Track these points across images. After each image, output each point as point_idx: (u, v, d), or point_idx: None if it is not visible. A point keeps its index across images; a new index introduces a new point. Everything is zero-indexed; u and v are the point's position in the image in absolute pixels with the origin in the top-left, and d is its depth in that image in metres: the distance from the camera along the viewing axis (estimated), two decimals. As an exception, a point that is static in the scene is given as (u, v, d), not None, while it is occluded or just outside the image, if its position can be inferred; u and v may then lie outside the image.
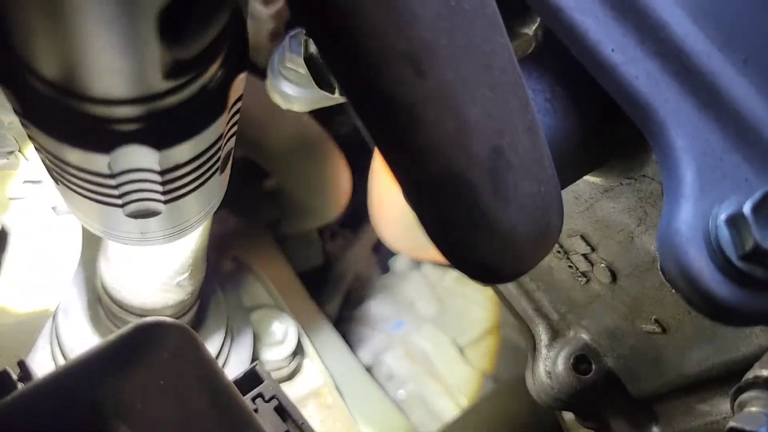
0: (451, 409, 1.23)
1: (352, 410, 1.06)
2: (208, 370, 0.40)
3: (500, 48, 0.36)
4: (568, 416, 0.82)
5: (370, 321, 1.57)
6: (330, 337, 1.14)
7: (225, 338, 0.86)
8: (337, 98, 0.70)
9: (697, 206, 0.36)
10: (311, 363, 1.04)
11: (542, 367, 0.66)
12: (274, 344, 0.93)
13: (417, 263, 1.66)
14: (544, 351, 0.67)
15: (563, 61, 0.46)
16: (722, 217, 0.35)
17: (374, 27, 0.32)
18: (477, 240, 0.36)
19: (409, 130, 0.33)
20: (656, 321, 0.56)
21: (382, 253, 1.72)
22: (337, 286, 1.56)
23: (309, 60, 0.53)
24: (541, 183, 0.39)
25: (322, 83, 0.54)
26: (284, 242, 1.27)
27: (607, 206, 0.54)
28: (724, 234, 0.35)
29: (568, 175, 0.48)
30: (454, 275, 1.62)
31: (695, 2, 0.40)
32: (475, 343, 1.48)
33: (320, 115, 1.26)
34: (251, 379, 0.59)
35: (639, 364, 0.61)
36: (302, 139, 1.10)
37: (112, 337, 0.41)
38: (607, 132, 0.46)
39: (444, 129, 0.33)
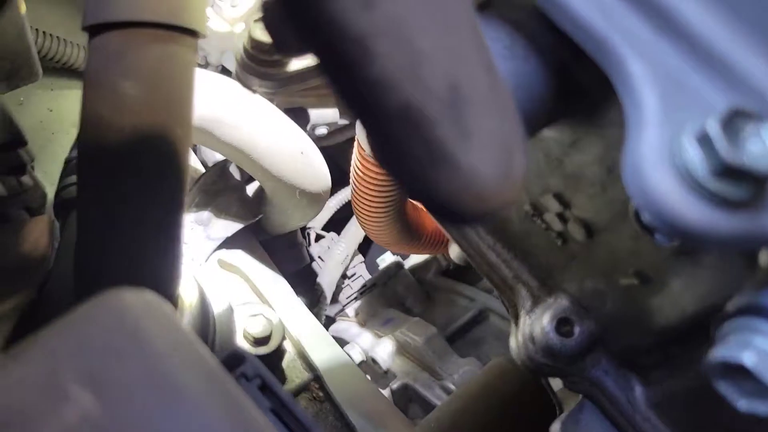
0: (444, 400, 1.23)
1: (343, 405, 1.04)
2: (185, 342, 0.39)
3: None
4: (557, 385, 0.82)
5: (359, 320, 1.56)
6: (317, 333, 1.12)
7: (208, 334, 0.85)
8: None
9: (661, 130, 0.36)
10: (298, 359, 1.03)
11: (525, 333, 0.65)
12: (259, 342, 0.92)
13: (402, 258, 1.66)
14: (525, 317, 0.66)
15: (517, 6, 0.46)
16: (688, 137, 0.35)
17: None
18: (439, 177, 0.35)
19: (362, 63, 0.33)
20: (635, 273, 0.56)
21: (368, 252, 1.72)
22: (323, 287, 1.55)
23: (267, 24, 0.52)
24: (504, 121, 0.38)
25: (280, 45, 0.53)
26: (268, 245, 1.27)
27: (577, 159, 0.53)
28: (692, 154, 0.34)
29: (534, 122, 0.47)
30: (437, 269, 1.62)
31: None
32: (464, 332, 1.48)
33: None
34: (233, 360, 0.58)
35: (622, 320, 0.61)
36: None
37: (70, 313, 0.39)
38: (570, 74, 0.46)
39: (397, 61, 0.33)
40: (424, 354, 1.36)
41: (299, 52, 0.54)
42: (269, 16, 0.50)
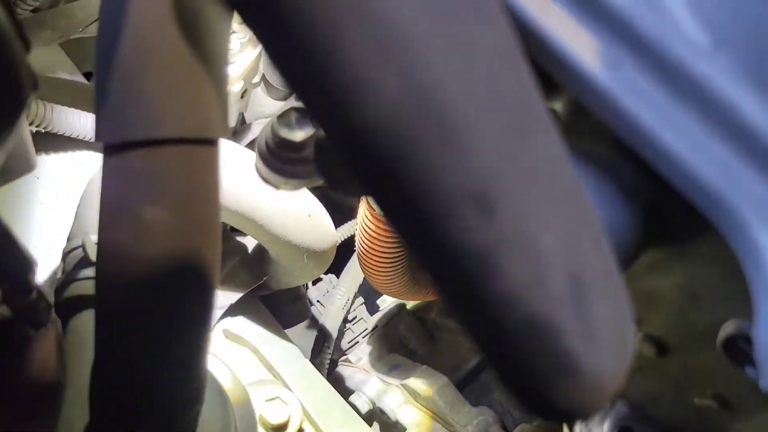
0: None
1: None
2: None
3: (560, 154, 0.31)
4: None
5: (363, 365, 1.52)
6: (334, 407, 1.07)
7: (230, 423, 0.79)
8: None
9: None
10: (316, 434, 0.98)
11: (584, 442, 0.61)
12: (277, 429, 0.87)
13: (404, 301, 1.61)
14: (582, 425, 0.62)
15: (601, 140, 0.42)
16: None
17: (429, 164, 0.27)
18: (562, 386, 0.31)
19: (481, 280, 0.28)
20: (714, 396, 0.52)
21: (369, 295, 1.67)
22: (325, 333, 1.50)
23: (320, 167, 0.47)
24: (619, 300, 0.34)
25: (335, 185, 0.48)
26: (269, 299, 1.21)
27: (653, 282, 0.49)
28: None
29: (622, 265, 0.43)
30: (440, 308, 1.58)
31: (761, 76, 0.35)
32: (473, 377, 1.44)
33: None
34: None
35: (692, 434, 0.57)
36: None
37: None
38: (660, 214, 0.42)
39: (522, 270, 0.28)
40: (436, 405, 1.32)
41: (358, 193, 0.49)
42: (324, 161, 0.46)
